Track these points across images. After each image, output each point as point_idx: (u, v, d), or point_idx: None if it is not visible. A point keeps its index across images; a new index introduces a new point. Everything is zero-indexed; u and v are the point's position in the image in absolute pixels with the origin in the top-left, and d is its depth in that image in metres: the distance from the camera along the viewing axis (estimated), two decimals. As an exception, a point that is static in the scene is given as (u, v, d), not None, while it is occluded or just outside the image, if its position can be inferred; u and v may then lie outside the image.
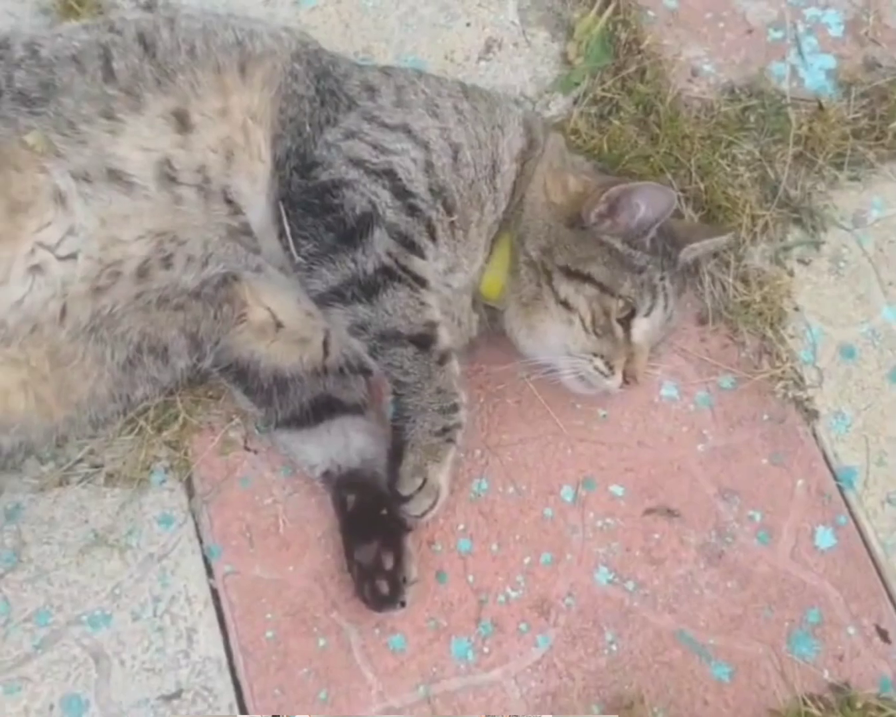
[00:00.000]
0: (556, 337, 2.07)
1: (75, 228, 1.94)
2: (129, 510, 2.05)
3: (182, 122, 1.98)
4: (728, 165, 2.31)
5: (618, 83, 2.39)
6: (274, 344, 2.09)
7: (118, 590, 2.00)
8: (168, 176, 1.96)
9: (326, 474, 2.07)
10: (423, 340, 1.93)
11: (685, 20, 2.51)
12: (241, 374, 2.10)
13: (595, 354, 2.04)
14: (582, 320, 2.04)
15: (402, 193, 1.98)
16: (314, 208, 1.96)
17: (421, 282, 1.96)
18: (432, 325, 1.95)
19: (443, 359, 1.94)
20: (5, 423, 1.97)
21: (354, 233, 1.94)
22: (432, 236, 2.00)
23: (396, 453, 1.94)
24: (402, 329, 1.92)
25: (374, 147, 2.00)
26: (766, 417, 2.17)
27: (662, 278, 2.07)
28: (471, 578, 2.03)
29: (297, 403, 2.09)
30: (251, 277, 2.05)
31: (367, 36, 2.47)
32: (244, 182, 2.00)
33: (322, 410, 2.09)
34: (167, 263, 1.99)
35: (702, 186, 2.28)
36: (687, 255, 2.13)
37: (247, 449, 2.12)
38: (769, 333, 2.21)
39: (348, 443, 2.07)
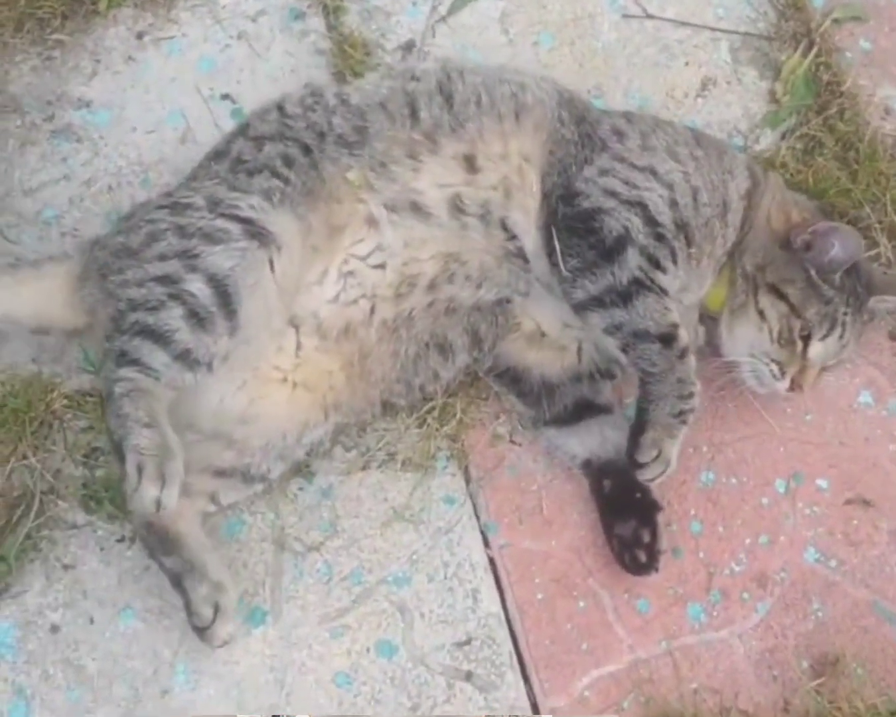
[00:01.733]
0: (746, 340, 2.46)
1: (383, 246, 2.39)
2: (420, 491, 2.50)
3: (470, 163, 2.40)
4: (918, 199, 2.67)
5: (820, 121, 2.74)
6: (541, 352, 2.50)
7: (415, 556, 2.45)
8: (458, 208, 2.40)
9: (586, 463, 2.49)
10: (667, 338, 2.32)
11: (879, 61, 2.83)
12: (516, 380, 2.53)
13: (773, 360, 2.43)
14: (770, 330, 2.43)
15: (651, 221, 2.36)
16: (578, 231, 2.37)
17: (665, 291, 2.35)
18: (675, 325, 2.33)
19: (682, 354, 2.33)
20: (332, 398, 2.44)
21: (612, 251, 2.34)
22: (674, 261, 2.38)
23: (639, 428, 2.34)
24: (650, 329, 2.32)
25: (626, 183, 2.39)
26: (948, 422, 2.56)
27: (845, 313, 2.42)
28: (701, 554, 2.46)
29: (562, 404, 2.51)
30: (520, 298, 2.47)
31: (598, 74, 2.84)
32: (519, 214, 2.41)
33: (582, 410, 2.50)
34: (450, 280, 2.42)
35: (896, 219, 2.65)
36: (877, 303, 2.48)
37: (512, 442, 2.54)
38: (952, 348, 2.59)
39: (604, 437, 2.48)
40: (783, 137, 2.76)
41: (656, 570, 2.40)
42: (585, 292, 2.36)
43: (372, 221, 2.40)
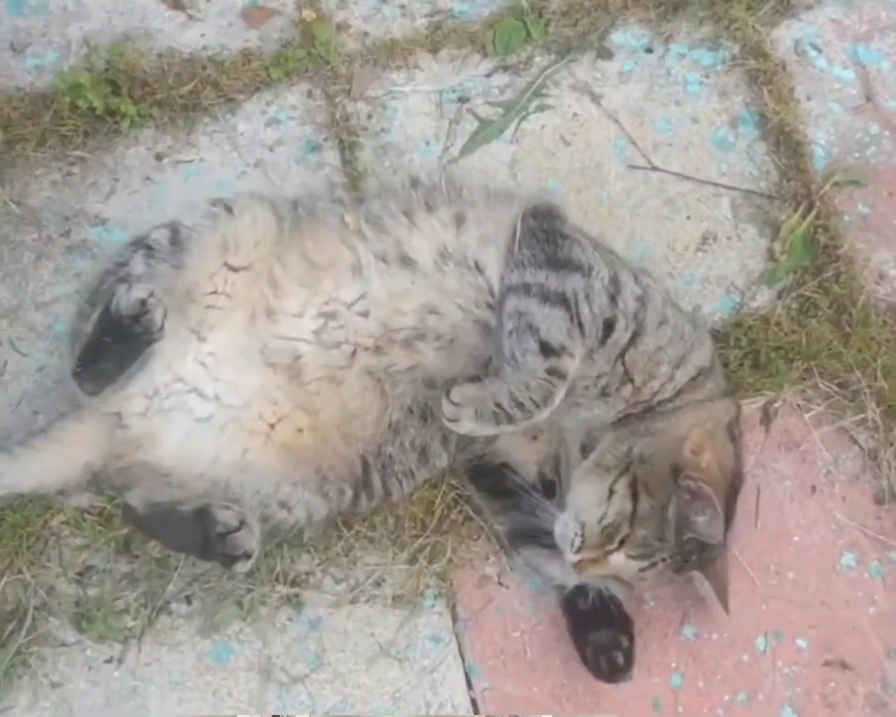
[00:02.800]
0: (584, 501, 2.42)
1: (368, 295, 2.49)
2: (407, 628, 2.53)
3: (460, 220, 2.52)
4: (908, 366, 2.73)
5: (816, 283, 2.80)
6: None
7: (398, 694, 2.48)
8: (442, 256, 2.50)
9: (561, 586, 2.51)
10: (548, 350, 2.35)
11: (876, 225, 2.90)
12: (498, 490, 2.58)
13: (581, 533, 2.38)
14: (604, 513, 2.37)
15: (615, 292, 2.42)
16: (537, 237, 2.48)
17: (581, 327, 2.39)
18: (563, 349, 2.35)
19: (552, 373, 2.34)
20: (307, 458, 2.51)
21: (560, 265, 2.43)
22: (607, 330, 2.40)
23: (471, 379, 2.38)
24: (541, 333, 2.36)
25: (609, 262, 2.49)
26: (928, 588, 2.60)
27: (664, 560, 2.35)
28: (681, 708, 2.49)
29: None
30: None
31: (602, 223, 2.90)
32: (491, 253, 2.50)
33: None
34: (423, 337, 2.48)
35: (885, 385, 2.69)
36: (696, 577, 2.41)
37: (500, 584, 2.58)
38: (934, 516, 2.63)
39: None
40: (779, 295, 2.82)
41: (630, 677, 2.41)
42: (520, 277, 2.44)
43: (357, 269, 2.49)
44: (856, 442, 2.71)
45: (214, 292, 2.49)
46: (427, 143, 3.00)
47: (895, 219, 2.93)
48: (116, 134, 2.97)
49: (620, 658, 2.40)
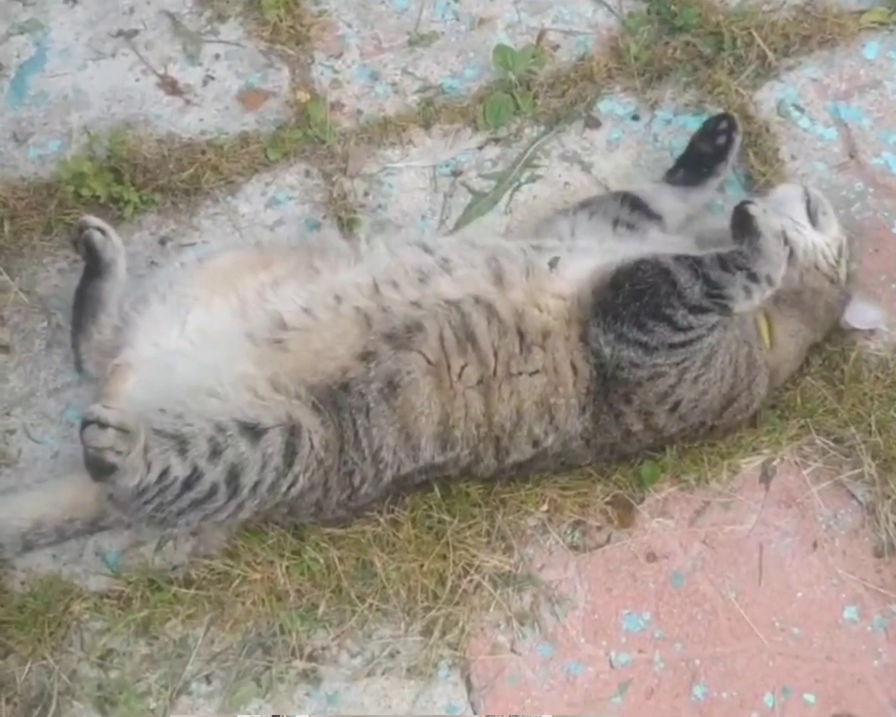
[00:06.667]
0: None
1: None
2: (423, 700, 2.58)
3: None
4: (902, 420, 2.80)
5: (809, 341, 2.88)
6: None
7: (418, 766, 2.55)
8: None
9: None
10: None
11: (863, 281, 2.97)
12: None
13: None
14: None
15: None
16: None
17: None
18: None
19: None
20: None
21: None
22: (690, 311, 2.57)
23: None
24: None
25: None
26: (930, 638, 2.66)
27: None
28: (694, 768, 2.56)
29: None
30: None
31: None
32: None
33: None
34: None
35: (880, 439, 2.76)
36: None
37: (512, 651, 2.64)
38: (934, 567, 2.70)
39: None
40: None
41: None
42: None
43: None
44: (854, 497, 2.77)
45: None
46: (423, 217, 3.07)
47: (882, 274, 3.00)
48: (120, 220, 3.03)
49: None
